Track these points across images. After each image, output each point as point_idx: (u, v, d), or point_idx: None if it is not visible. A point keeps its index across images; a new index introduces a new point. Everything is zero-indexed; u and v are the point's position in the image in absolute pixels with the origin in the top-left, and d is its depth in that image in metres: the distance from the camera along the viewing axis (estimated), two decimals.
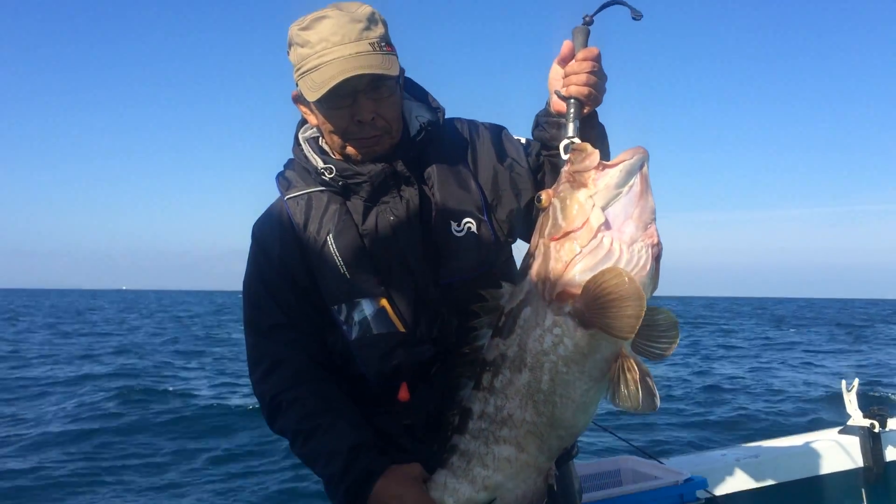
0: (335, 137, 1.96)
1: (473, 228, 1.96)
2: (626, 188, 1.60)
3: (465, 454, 1.77)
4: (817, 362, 21.19)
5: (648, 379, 1.58)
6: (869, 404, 3.81)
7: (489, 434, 1.74)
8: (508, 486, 1.77)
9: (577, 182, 1.64)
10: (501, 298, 1.75)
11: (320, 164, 2.00)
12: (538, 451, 1.73)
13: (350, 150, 1.96)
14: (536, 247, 1.71)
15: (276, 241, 2.03)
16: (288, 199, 2.03)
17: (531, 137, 2.04)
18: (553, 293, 1.63)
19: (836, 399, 3.99)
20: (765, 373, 18.59)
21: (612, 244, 1.59)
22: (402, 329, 1.91)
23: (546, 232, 1.68)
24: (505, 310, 1.73)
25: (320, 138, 2.06)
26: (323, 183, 2.01)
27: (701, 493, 2.72)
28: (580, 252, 1.60)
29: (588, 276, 1.57)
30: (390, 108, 1.93)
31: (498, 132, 2.12)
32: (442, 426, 1.82)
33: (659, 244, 1.61)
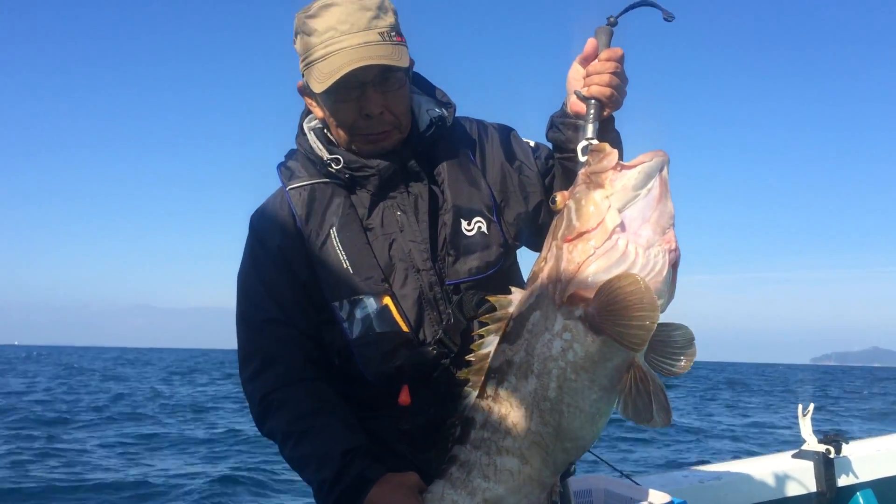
0: (342, 132, 1.89)
1: (484, 228, 1.90)
2: (644, 191, 1.54)
3: (466, 465, 1.68)
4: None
5: (662, 393, 1.52)
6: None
7: (492, 444, 1.65)
8: (509, 501, 1.67)
9: (594, 182, 1.58)
10: (509, 304, 1.67)
11: (326, 155, 1.92)
12: (542, 464, 1.65)
13: (357, 145, 1.89)
14: (549, 249, 1.63)
15: (276, 233, 1.94)
16: (290, 189, 1.95)
17: (544, 140, 1.99)
18: (564, 295, 1.55)
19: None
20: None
21: (627, 246, 1.52)
22: (405, 329, 1.83)
23: (559, 234, 1.61)
24: (513, 315, 1.65)
25: (326, 129, 1.98)
26: (328, 174, 1.93)
27: None
28: (594, 253, 1.53)
29: (602, 278, 1.50)
30: (399, 102, 1.87)
31: (507, 133, 2.07)
32: (442, 437, 1.72)
33: (677, 250, 1.55)
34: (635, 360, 1.55)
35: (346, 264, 1.86)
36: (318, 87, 1.79)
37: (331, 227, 1.89)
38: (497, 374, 1.65)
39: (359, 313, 1.84)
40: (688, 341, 1.54)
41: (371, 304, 1.83)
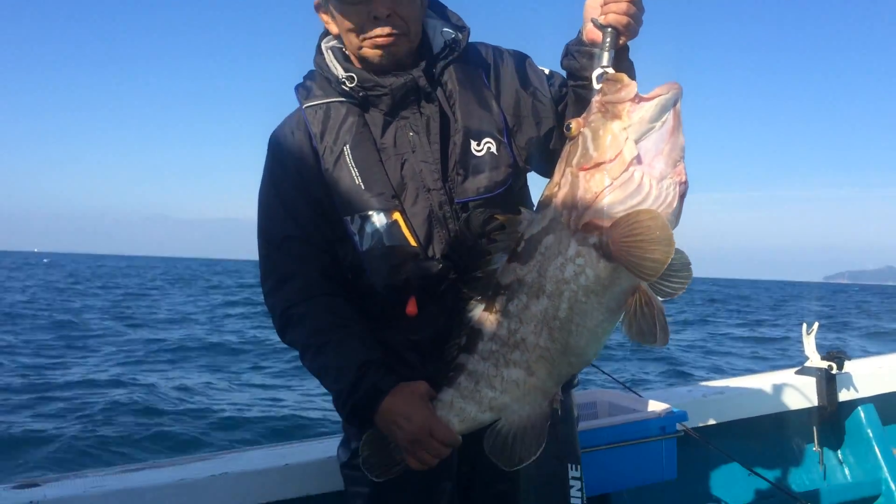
0: (352, 37, 1.92)
1: (493, 149, 1.95)
2: (659, 123, 1.58)
3: (474, 375, 1.78)
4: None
5: (662, 315, 1.61)
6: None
7: (500, 356, 1.75)
8: (514, 408, 1.79)
9: (611, 113, 1.61)
10: (520, 224, 1.73)
11: (341, 73, 1.97)
12: (548, 375, 1.75)
13: (367, 51, 1.92)
14: (563, 175, 1.68)
15: (293, 152, 2.00)
16: (306, 107, 2.00)
17: (559, 68, 2.00)
18: (579, 223, 1.61)
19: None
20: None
21: (642, 179, 1.57)
22: (413, 244, 1.90)
23: (574, 161, 1.65)
24: (525, 236, 1.71)
25: (344, 47, 2.02)
26: (343, 94, 1.98)
27: (679, 427, 2.84)
28: (610, 184, 1.58)
29: (617, 209, 1.57)
30: (408, 7, 1.90)
31: (522, 59, 2.09)
32: (448, 345, 1.82)
33: (686, 182, 1.60)
34: (641, 284, 1.62)
35: (358, 180, 1.91)
36: None
37: (344, 145, 1.94)
38: (507, 290, 1.72)
39: (369, 227, 1.90)
40: (684, 265, 1.60)
41: (381, 219, 1.90)
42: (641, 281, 1.60)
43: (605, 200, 1.58)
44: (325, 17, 2.01)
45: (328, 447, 2.63)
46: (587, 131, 1.64)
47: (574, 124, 1.67)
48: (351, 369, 1.86)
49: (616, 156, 1.58)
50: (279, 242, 2.01)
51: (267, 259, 2.04)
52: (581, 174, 1.63)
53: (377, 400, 1.83)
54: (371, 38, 1.89)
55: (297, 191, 1.99)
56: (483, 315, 1.77)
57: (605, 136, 1.60)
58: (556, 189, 1.68)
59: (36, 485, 2.38)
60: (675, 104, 1.59)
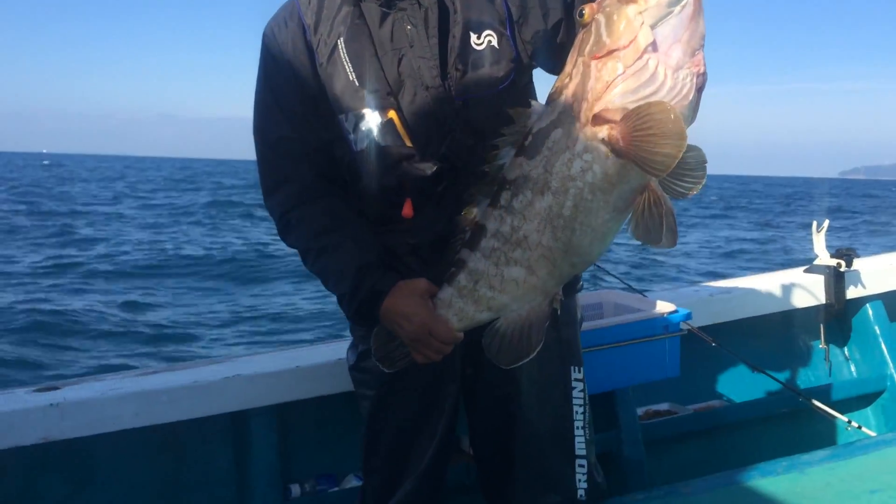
0: None
1: (494, 42, 1.85)
2: (678, 8, 1.47)
3: (474, 273, 1.75)
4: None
5: (671, 216, 1.56)
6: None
7: (501, 254, 1.71)
8: (513, 307, 1.76)
9: None
10: (529, 118, 1.65)
11: None
12: (549, 275, 1.71)
13: None
14: (574, 66, 1.58)
15: (286, 44, 1.92)
16: None
17: None
18: (589, 115, 1.53)
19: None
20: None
21: (657, 67, 1.48)
22: (409, 144, 1.84)
23: (587, 50, 1.55)
24: (533, 129, 1.64)
25: None
26: None
27: (684, 325, 2.87)
28: (623, 72, 1.49)
29: (629, 100, 1.48)
30: None
31: None
32: (453, 238, 1.79)
33: (704, 74, 1.51)
34: (650, 183, 1.56)
35: (352, 76, 1.84)
36: None
37: (338, 38, 1.85)
38: (512, 186, 1.66)
39: (363, 126, 1.84)
40: (699, 163, 1.53)
41: (375, 117, 1.83)
42: (651, 179, 1.55)
43: (617, 90, 1.50)
44: None
45: (337, 350, 2.67)
46: (601, 17, 1.54)
47: (588, 10, 1.56)
48: (349, 273, 1.85)
49: (630, 42, 1.48)
50: (275, 143, 1.96)
51: (263, 160, 1.99)
52: (593, 63, 1.53)
53: (378, 301, 1.83)
54: None
55: (291, 89, 1.92)
56: (487, 210, 1.71)
57: (619, 22, 1.50)
58: (566, 80, 1.59)
59: (56, 388, 2.45)
60: None
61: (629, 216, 1.61)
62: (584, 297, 3.17)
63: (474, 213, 1.74)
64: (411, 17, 1.85)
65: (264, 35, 1.99)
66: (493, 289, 1.75)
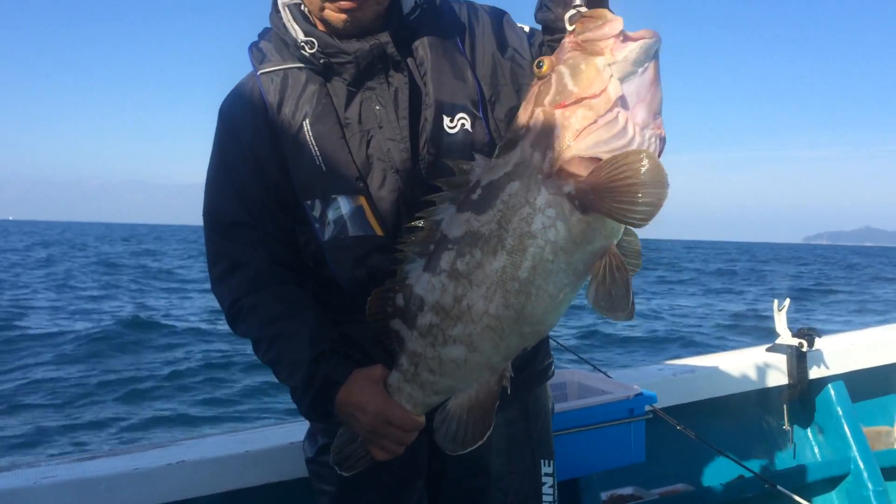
0: None
1: (468, 126, 1.76)
2: (641, 69, 1.42)
3: (413, 356, 1.63)
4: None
5: (630, 283, 1.46)
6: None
7: (438, 333, 1.57)
8: (460, 387, 1.65)
9: (592, 50, 1.44)
10: (471, 172, 1.54)
11: (301, 37, 1.75)
12: (494, 349, 1.57)
13: (329, 13, 1.70)
14: (531, 116, 1.48)
15: (247, 125, 1.80)
16: (261, 74, 1.79)
17: (534, 24, 1.83)
18: (554, 167, 1.43)
19: None
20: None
21: (627, 122, 1.40)
22: (380, 232, 1.72)
23: (546, 100, 1.46)
24: (481, 182, 1.52)
25: (302, 4, 1.78)
26: (302, 59, 1.77)
27: (648, 408, 2.82)
28: (595, 121, 1.40)
29: (601, 150, 1.40)
30: None
31: (499, 18, 1.89)
32: (379, 300, 1.65)
33: (664, 138, 1.46)
34: (612, 246, 1.47)
35: (319, 160, 1.73)
36: None
37: (304, 118, 1.74)
38: (456, 245, 1.53)
39: (331, 214, 1.73)
40: (636, 252, 1.54)
41: (345, 204, 1.72)
42: (613, 241, 1.48)
43: (589, 139, 1.40)
44: None
45: (289, 432, 2.56)
46: (564, 68, 1.46)
47: (547, 61, 1.48)
48: (303, 364, 1.72)
49: (601, 91, 1.40)
50: (227, 228, 1.83)
51: (213, 244, 1.86)
52: (557, 112, 1.44)
53: (332, 393, 1.69)
54: (335, 0, 1.69)
55: (249, 172, 1.80)
56: (424, 277, 1.57)
57: (588, 70, 1.42)
58: (522, 130, 1.49)
59: None
60: (655, 53, 1.44)
61: (584, 283, 1.51)
62: None
63: (407, 276, 1.61)
64: (380, 97, 1.76)
65: (221, 111, 1.87)
66: (433, 373, 1.63)
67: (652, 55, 1.43)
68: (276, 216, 1.82)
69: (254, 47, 1.86)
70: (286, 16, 1.79)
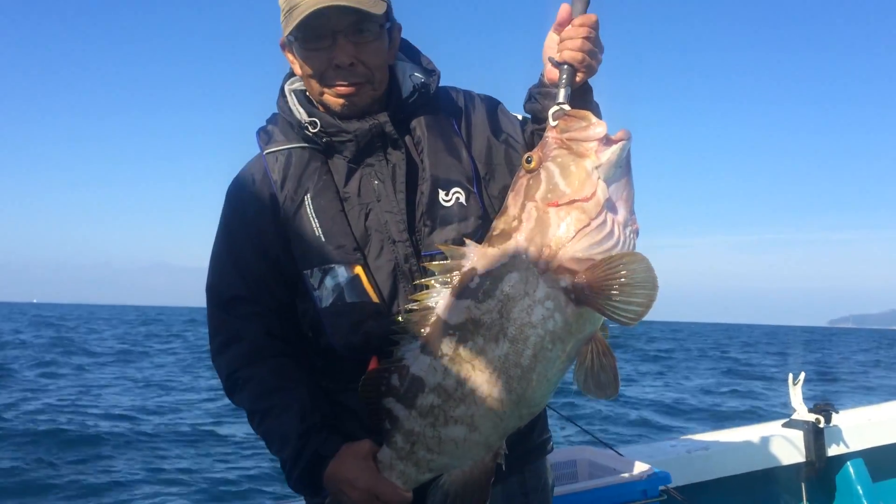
0: (313, 83, 1.85)
1: (462, 199, 1.85)
2: (621, 170, 1.53)
3: (410, 436, 1.67)
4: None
5: (616, 366, 1.56)
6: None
7: (440, 414, 1.63)
8: (454, 465, 1.69)
9: (578, 151, 1.54)
10: (463, 257, 1.62)
11: (304, 118, 1.88)
12: (493, 429, 1.64)
13: (328, 98, 1.84)
14: (523, 209, 1.58)
15: (252, 201, 1.91)
16: (267, 153, 1.91)
17: (523, 112, 1.94)
18: (551, 264, 1.52)
19: None
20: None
21: (613, 223, 1.51)
22: (375, 300, 1.79)
23: (538, 195, 1.56)
24: (478, 271, 1.60)
25: (307, 90, 1.92)
26: (306, 139, 1.89)
27: (662, 489, 2.75)
28: (588, 224, 1.51)
29: (594, 252, 1.50)
30: (373, 55, 1.81)
31: (494, 105, 2.02)
32: (372, 381, 1.71)
33: (638, 231, 1.57)
34: (597, 333, 1.57)
35: (318, 232, 1.83)
36: (288, 30, 1.78)
37: (305, 194, 1.86)
38: (458, 331, 1.60)
39: (329, 282, 1.81)
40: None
41: (342, 273, 1.80)
42: (598, 329, 1.57)
43: (584, 242, 1.51)
44: (290, 56, 1.93)
45: None
46: (553, 166, 1.56)
47: (536, 156, 1.59)
48: (293, 438, 1.78)
49: (592, 195, 1.51)
50: (227, 302, 1.93)
51: (213, 317, 1.96)
52: (552, 210, 1.54)
53: (321, 467, 1.75)
54: (332, 86, 1.82)
55: (252, 249, 1.90)
56: (423, 359, 1.64)
57: (578, 173, 1.53)
58: (516, 223, 1.58)
59: None
60: (629, 152, 1.56)
61: (574, 367, 1.60)
62: (556, 454, 3.06)
63: (403, 357, 1.67)
64: (378, 173, 1.86)
65: (228, 190, 1.98)
66: (431, 451, 1.68)
67: (627, 154, 1.54)
68: (275, 291, 1.90)
69: (261, 131, 1.99)
70: (292, 100, 1.93)
